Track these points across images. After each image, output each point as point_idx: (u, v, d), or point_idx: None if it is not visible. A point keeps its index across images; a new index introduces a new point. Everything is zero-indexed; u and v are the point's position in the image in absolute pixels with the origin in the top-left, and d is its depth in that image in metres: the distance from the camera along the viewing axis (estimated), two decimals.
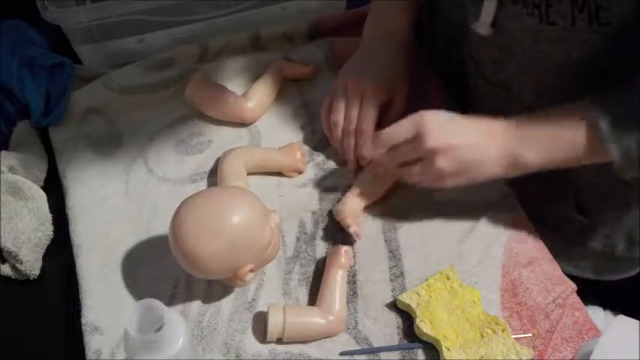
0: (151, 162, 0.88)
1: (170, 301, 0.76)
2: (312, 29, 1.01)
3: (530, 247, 0.80)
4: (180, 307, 0.76)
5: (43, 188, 0.86)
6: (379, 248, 0.80)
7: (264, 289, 0.77)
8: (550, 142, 0.71)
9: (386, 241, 0.80)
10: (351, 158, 0.85)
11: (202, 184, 0.86)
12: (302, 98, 0.94)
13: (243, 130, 0.91)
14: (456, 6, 0.86)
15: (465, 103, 0.92)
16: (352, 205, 0.80)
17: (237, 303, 0.76)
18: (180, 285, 0.77)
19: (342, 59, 0.90)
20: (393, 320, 0.75)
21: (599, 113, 0.68)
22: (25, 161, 0.86)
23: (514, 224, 0.81)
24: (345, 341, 0.73)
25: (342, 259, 0.76)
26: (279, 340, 0.73)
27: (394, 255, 0.79)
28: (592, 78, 0.75)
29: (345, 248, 0.76)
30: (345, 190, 0.83)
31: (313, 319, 0.73)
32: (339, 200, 0.82)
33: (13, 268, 0.80)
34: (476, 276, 0.77)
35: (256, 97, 0.91)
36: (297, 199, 0.84)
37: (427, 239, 0.80)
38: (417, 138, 0.72)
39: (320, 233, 0.81)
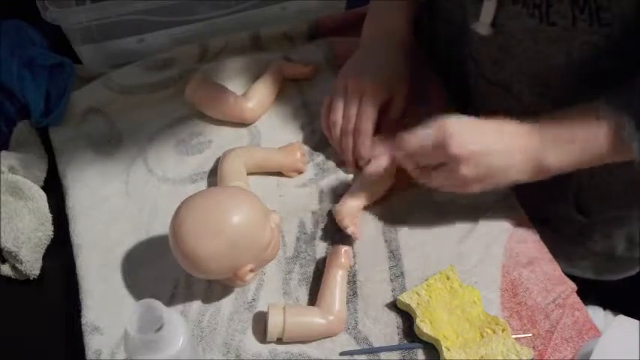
0: (151, 162, 0.88)
1: (170, 301, 0.76)
2: (312, 29, 1.01)
3: (530, 247, 0.80)
4: (180, 307, 0.76)
5: (43, 188, 0.86)
6: (379, 248, 0.80)
7: (264, 289, 0.77)
8: (573, 144, 0.70)
9: (386, 241, 0.80)
10: (349, 158, 0.85)
11: (202, 184, 0.86)
12: (302, 98, 0.94)
13: (243, 130, 0.91)
14: (456, 6, 0.86)
15: (465, 103, 0.92)
16: (350, 206, 0.80)
17: (237, 303, 0.76)
18: (180, 285, 0.77)
19: (342, 59, 0.90)
20: (393, 320, 0.75)
21: (620, 113, 0.67)
22: (25, 161, 0.86)
23: (514, 224, 0.81)
24: (345, 341, 0.73)
25: (342, 259, 0.76)
26: (279, 340, 0.73)
27: (394, 255, 0.79)
28: (592, 78, 0.75)
29: (345, 248, 0.76)
30: (344, 190, 0.83)
31: (313, 319, 0.73)
32: (338, 200, 0.82)
33: (13, 268, 0.80)
34: (476, 276, 0.77)
35: (256, 97, 0.91)
36: (297, 199, 0.84)
37: (427, 239, 0.80)
38: (440, 144, 0.71)
39: (320, 233, 0.81)
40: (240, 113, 0.90)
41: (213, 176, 0.86)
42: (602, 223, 0.93)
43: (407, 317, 0.75)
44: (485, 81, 0.86)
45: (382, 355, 0.72)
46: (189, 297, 0.76)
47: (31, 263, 0.79)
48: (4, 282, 0.80)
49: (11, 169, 0.85)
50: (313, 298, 0.76)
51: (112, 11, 0.92)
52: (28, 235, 0.80)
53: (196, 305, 0.76)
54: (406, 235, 0.81)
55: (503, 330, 0.71)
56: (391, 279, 0.77)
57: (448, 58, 0.95)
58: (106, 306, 0.76)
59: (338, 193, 0.84)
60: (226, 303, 0.76)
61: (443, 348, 0.70)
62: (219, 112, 0.90)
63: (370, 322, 0.75)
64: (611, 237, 0.95)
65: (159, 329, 0.60)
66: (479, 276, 0.77)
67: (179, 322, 0.63)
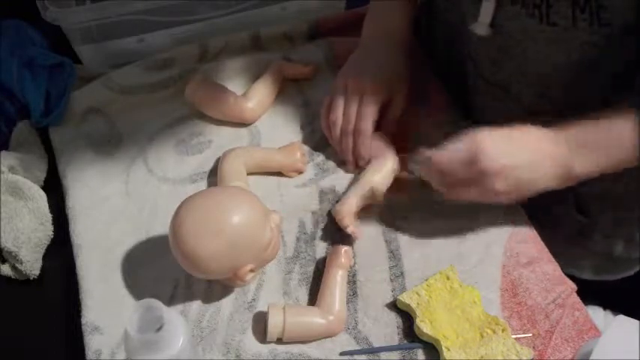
0: (151, 162, 0.88)
1: (170, 301, 0.76)
2: (312, 29, 1.01)
3: (530, 247, 0.80)
4: (180, 307, 0.76)
5: (43, 188, 0.86)
6: (379, 248, 0.80)
7: (264, 289, 0.77)
8: (601, 149, 0.71)
9: (386, 241, 0.80)
10: (349, 158, 0.85)
11: (202, 184, 0.86)
12: (302, 98, 0.94)
13: (243, 130, 0.91)
14: (455, 6, 0.86)
15: (464, 103, 0.92)
16: (350, 205, 0.80)
17: (237, 303, 0.76)
18: (180, 285, 0.77)
19: (342, 59, 0.90)
20: (393, 320, 0.75)
21: None
22: (25, 161, 0.86)
23: (514, 224, 0.81)
24: (345, 341, 0.73)
25: (342, 259, 0.76)
26: (279, 340, 0.73)
27: (394, 255, 0.79)
28: (592, 78, 0.75)
29: (345, 248, 0.76)
30: (344, 190, 0.83)
31: (313, 319, 0.73)
32: (338, 200, 0.82)
33: (13, 268, 0.80)
34: (476, 276, 0.77)
35: (256, 97, 0.91)
36: (297, 199, 0.84)
37: (427, 239, 0.80)
38: (472, 161, 0.70)
39: (320, 233, 0.81)
40: (240, 113, 0.90)
41: (213, 176, 0.86)
42: (602, 223, 0.93)
43: (407, 317, 0.75)
44: (484, 81, 0.86)
45: (382, 355, 0.72)
46: (189, 297, 0.76)
47: (31, 263, 0.79)
48: (4, 282, 0.80)
49: (11, 169, 0.85)
50: (313, 298, 0.76)
51: (112, 11, 0.92)
52: (28, 235, 0.80)
53: (196, 305, 0.76)
54: (406, 235, 0.81)
55: (503, 330, 0.71)
56: (391, 279, 0.77)
57: (447, 59, 0.95)
58: (106, 306, 0.76)
59: (338, 193, 0.84)
60: (226, 303, 0.76)
61: (443, 348, 0.70)
62: (219, 112, 0.90)
63: (370, 322, 0.75)
64: (611, 237, 0.95)
65: (159, 329, 0.60)
66: (479, 276, 0.77)
67: (179, 322, 0.63)
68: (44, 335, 0.76)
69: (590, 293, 0.86)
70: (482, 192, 0.72)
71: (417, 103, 0.89)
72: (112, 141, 0.90)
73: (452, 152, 0.72)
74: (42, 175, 0.88)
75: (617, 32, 0.70)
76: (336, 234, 0.81)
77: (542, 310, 0.75)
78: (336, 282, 0.75)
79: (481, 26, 0.79)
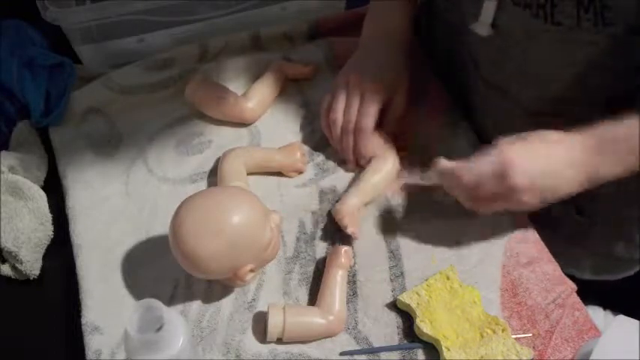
0: (151, 162, 0.88)
1: (170, 301, 0.76)
2: (312, 29, 1.01)
3: (530, 247, 0.80)
4: (180, 307, 0.76)
5: (43, 188, 0.86)
6: (379, 248, 0.80)
7: (264, 289, 0.77)
8: (625, 151, 0.70)
9: (386, 241, 0.80)
10: (350, 157, 0.85)
11: (202, 184, 0.86)
12: (302, 98, 0.94)
13: (243, 130, 0.91)
14: (455, 6, 0.86)
15: (464, 104, 0.92)
16: (350, 205, 0.80)
17: (237, 303, 0.76)
18: (180, 285, 0.77)
19: (342, 59, 0.90)
20: (393, 320, 0.75)
21: None
22: (25, 161, 0.86)
23: (514, 224, 0.81)
24: (345, 341, 0.73)
25: (342, 259, 0.76)
26: (279, 340, 0.73)
27: (394, 255, 0.79)
28: (593, 79, 0.75)
29: (345, 248, 0.76)
30: (344, 190, 0.83)
31: (313, 319, 0.73)
32: (338, 200, 0.82)
33: (13, 268, 0.80)
34: (476, 276, 0.77)
35: (256, 97, 0.91)
36: (297, 199, 0.84)
37: (427, 239, 0.80)
38: (501, 175, 0.69)
39: (320, 233, 0.81)
40: (240, 113, 0.90)
41: (213, 176, 0.86)
42: (602, 223, 0.93)
43: (407, 317, 0.75)
44: (484, 82, 0.86)
45: (382, 355, 0.72)
46: (189, 297, 0.76)
47: (31, 263, 0.79)
48: (4, 282, 0.80)
49: (11, 169, 0.85)
50: (313, 298, 0.76)
51: (112, 11, 0.92)
52: (28, 235, 0.80)
53: (196, 305, 0.76)
54: (406, 234, 0.81)
55: (503, 330, 0.72)
56: (391, 279, 0.77)
57: (447, 59, 0.95)
58: (106, 306, 0.76)
59: (338, 193, 0.84)
60: (226, 303, 0.76)
61: (443, 348, 0.70)
62: (219, 112, 0.90)
63: (370, 322, 0.75)
64: (611, 237, 0.95)
65: (159, 329, 0.60)
66: (479, 276, 0.77)
67: (179, 322, 0.63)
68: (44, 335, 0.76)
69: (590, 293, 0.86)
70: (508, 205, 0.72)
71: (417, 103, 0.89)
72: (112, 141, 0.90)
73: (479, 166, 0.71)
74: (42, 175, 0.88)
75: (621, 32, 0.69)
76: (336, 234, 0.81)
77: (542, 310, 0.75)
78: (336, 282, 0.75)
79: (482, 26, 0.79)
